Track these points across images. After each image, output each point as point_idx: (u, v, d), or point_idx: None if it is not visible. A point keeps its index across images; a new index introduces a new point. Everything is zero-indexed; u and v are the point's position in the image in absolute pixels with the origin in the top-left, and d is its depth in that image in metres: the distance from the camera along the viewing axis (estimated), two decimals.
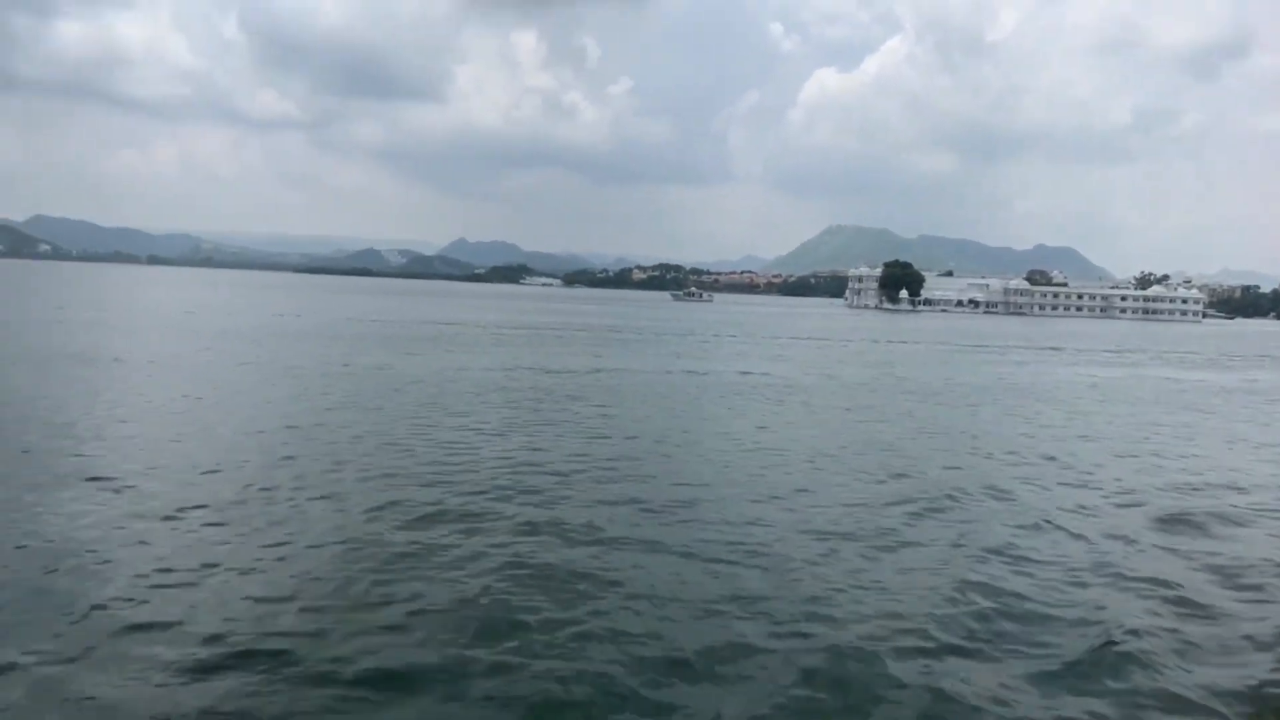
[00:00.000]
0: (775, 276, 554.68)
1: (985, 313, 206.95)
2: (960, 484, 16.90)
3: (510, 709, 7.68)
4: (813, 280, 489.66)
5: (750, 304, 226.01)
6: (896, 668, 8.63)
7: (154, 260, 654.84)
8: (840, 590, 10.66)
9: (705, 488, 15.73)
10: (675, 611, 9.80)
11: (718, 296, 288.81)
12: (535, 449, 18.54)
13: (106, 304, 78.70)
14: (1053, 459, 20.32)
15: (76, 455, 16.12)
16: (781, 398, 30.23)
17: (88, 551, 10.88)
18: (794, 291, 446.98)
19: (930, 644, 9.21)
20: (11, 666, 7.88)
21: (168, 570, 10.37)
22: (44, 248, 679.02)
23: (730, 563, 11.50)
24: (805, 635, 9.31)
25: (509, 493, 14.59)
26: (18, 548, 10.91)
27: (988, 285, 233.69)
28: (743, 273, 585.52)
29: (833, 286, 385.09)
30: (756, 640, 9.11)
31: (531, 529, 12.54)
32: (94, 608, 9.18)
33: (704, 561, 11.52)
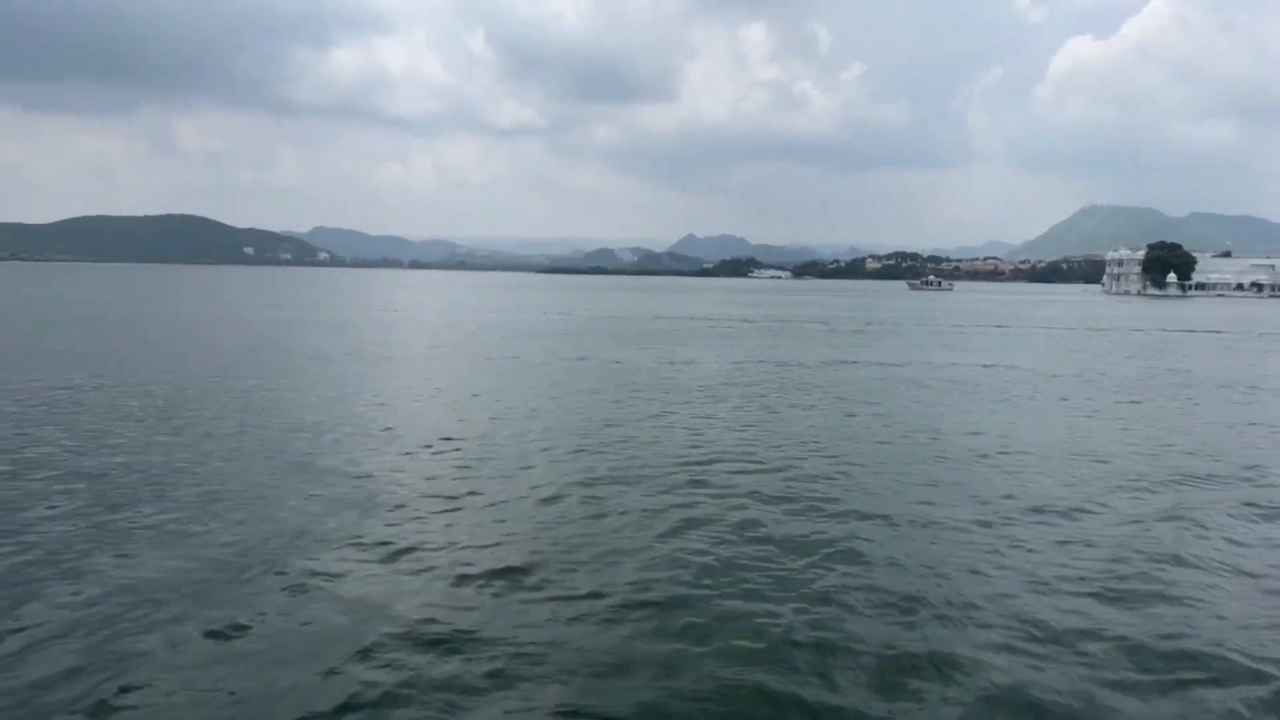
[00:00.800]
0: (1022, 262, 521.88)
1: (1271, 297, 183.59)
2: (1259, 485, 15.12)
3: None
4: (1064, 266, 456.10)
5: (994, 292, 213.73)
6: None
7: (415, 265, 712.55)
8: (1117, 604, 9.74)
9: (953, 489, 14.90)
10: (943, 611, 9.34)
11: (958, 285, 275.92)
12: (771, 443, 18.37)
13: (399, 305, 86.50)
14: None
15: (385, 432, 17.82)
16: (1033, 392, 28.16)
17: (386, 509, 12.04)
18: (1043, 278, 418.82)
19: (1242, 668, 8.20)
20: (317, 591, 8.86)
21: (446, 537, 11.24)
22: (323, 256, 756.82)
23: (992, 570, 10.82)
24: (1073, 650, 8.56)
25: (752, 487, 14.55)
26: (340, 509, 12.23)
27: (1274, 266, 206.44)
28: (985, 259, 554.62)
29: (1087, 272, 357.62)
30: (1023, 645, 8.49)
31: (781, 523, 12.43)
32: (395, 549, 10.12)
33: (964, 564, 10.92)
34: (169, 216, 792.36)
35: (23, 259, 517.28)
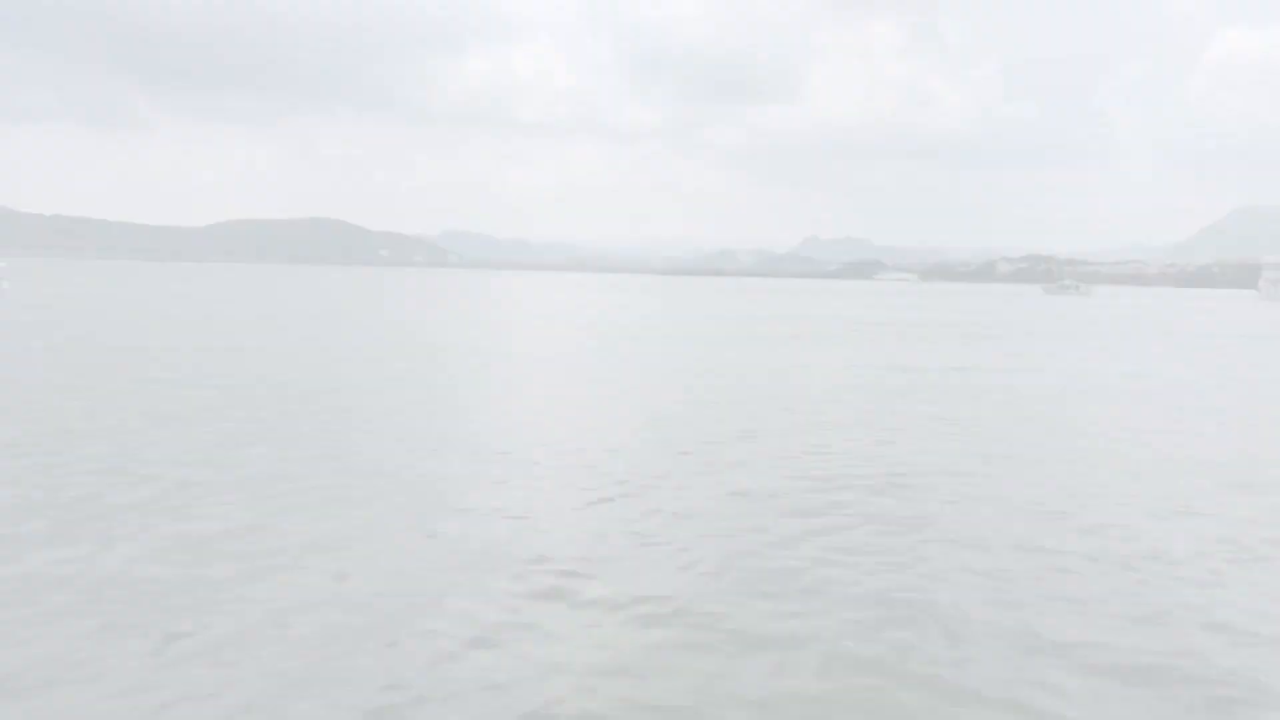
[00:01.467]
0: (1169, 266, 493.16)
1: None
2: None
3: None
4: (1215, 270, 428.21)
5: (1137, 297, 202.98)
6: None
7: (539, 266, 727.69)
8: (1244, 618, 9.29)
9: (1089, 501, 14.41)
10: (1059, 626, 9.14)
11: (1098, 289, 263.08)
12: (890, 449, 18.14)
13: (530, 307, 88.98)
14: None
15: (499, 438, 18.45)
16: (1180, 403, 26.70)
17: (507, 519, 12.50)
18: (1192, 283, 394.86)
19: None
20: (464, 611, 9.29)
21: (570, 543, 11.63)
22: (453, 258, 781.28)
23: (1132, 578, 10.45)
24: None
25: (878, 495, 14.49)
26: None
27: None
28: (1128, 262, 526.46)
29: (1241, 277, 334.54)
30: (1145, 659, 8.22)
31: (907, 529, 12.37)
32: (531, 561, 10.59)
33: (1096, 576, 10.63)
34: (310, 220, 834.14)
35: (179, 260, 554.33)
